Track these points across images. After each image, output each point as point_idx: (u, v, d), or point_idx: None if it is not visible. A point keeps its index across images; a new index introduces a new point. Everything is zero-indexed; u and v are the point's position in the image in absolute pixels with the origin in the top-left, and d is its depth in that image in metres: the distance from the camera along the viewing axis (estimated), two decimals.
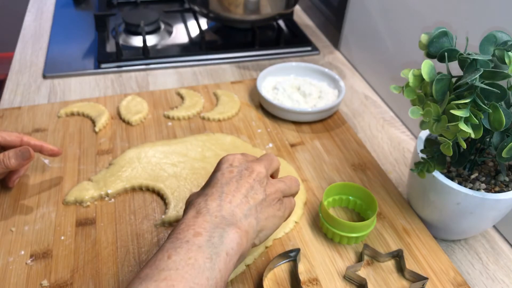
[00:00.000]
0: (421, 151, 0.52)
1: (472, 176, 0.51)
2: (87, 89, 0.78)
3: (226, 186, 0.41)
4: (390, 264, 0.51)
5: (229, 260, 0.35)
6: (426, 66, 0.45)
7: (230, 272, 0.36)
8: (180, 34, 0.96)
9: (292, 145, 0.68)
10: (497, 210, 0.49)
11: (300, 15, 1.10)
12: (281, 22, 1.02)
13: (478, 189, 0.49)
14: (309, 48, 0.94)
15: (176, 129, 0.69)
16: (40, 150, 0.57)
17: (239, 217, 0.39)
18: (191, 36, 0.95)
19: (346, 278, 0.49)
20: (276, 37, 0.97)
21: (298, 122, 0.72)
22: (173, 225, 0.54)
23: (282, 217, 0.44)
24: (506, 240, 0.57)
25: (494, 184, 0.50)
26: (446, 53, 0.45)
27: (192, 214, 0.38)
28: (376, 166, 0.65)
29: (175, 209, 0.55)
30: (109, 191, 0.57)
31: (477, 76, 0.41)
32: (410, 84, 0.47)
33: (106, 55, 0.85)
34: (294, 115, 0.71)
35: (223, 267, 0.34)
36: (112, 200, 0.57)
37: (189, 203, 0.42)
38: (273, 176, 0.49)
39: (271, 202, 0.43)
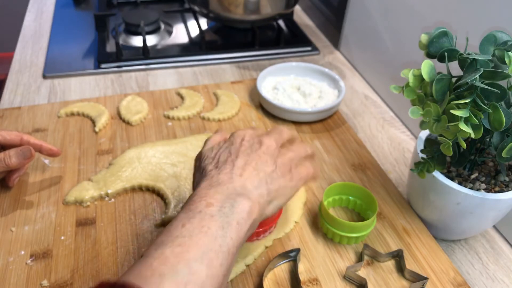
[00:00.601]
0: (421, 151, 0.52)
1: (472, 176, 0.51)
2: (87, 89, 0.78)
3: (237, 160, 0.42)
4: (390, 264, 0.51)
5: (240, 229, 0.37)
6: (426, 66, 0.45)
7: (241, 240, 0.37)
8: (180, 34, 0.96)
9: None
10: (497, 210, 0.49)
11: (300, 15, 1.10)
12: (281, 22, 1.02)
13: (478, 189, 0.49)
14: (309, 48, 0.94)
15: (176, 129, 0.69)
16: (39, 150, 0.57)
17: (249, 188, 0.40)
18: (191, 36, 0.95)
19: (346, 278, 0.49)
20: (276, 37, 0.97)
21: (298, 122, 0.72)
22: None
23: (294, 187, 0.45)
24: (506, 240, 0.57)
25: (494, 184, 0.50)
26: (446, 53, 0.45)
27: (204, 185, 0.40)
28: (376, 166, 0.65)
29: (175, 209, 0.55)
30: (109, 191, 0.57)
31: (477, 76, 0.41)
32: (410, 84, 0.47)
33: (106, 55, 0.85)
34: (294, 115, 0.71)
35: (235, 235, 0.36)
36: (112, 200, 0.57)
37: (203, 168, 0.43)
38: (289, 144, 0.50)
39: (282, 173, 0.44)
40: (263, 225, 0.50)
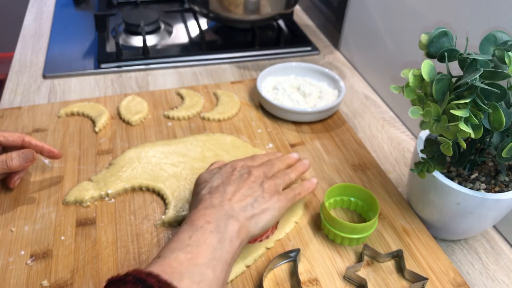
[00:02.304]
0: (421, 151, 0.52)
1: (472, 176, 0.51)
2: (87, 89, 0.78)
3: (228, 186, 0.48)
4: (390, 264, 0.51)
5: (232, 245, 0.43)
6: (426, 66, 0.45)
7: (234, 253, 0.43)
8: (180, 34, 0.96)
9: (292, 145, 0.68)
10: (497, 210, 0.49)
11: (300, 15, 1.10)
12: (281, 22, 1.02)
13: (478, 189, 0.49)
14: (309, 48, 0.94)
15: (176, 129, 0.69)
16: (40, 151, 0.57)
17: (237, 211, 0.46)
18: (191, 36, 0.95)
19: (346, 278, 0.49)
20: (276, 37, 0.97)
21: (298, 122, 0.72)
22: (173, 225, 0.54)
23: (281, 207, 0.49)
24: (506, 240, 0.57)
25: (494, 184, 0.50)
26: (446, 53, 0.45)
27: (201, 207, 0.45)
28: (376, 166, 0.65)
29: (175, 209, 0.55)
30: (109, 191, 0.57)
31: (477, 76, 0.41)
32: (410, 84, 0.47)
33: (106, 55, 0.85)
34: (294, 115, 0.71)
35: (229, 249, 0.42)
36: (112, 200, 0.57)
37: (197, 193, 0.49)
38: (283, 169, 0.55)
39: (269, 196, 0.49)
40: None
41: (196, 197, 0.49)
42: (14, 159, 0.53)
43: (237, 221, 0.44)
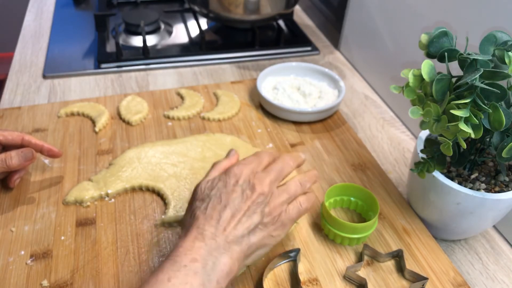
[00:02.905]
0: (421, 151, 0.52)
1: (472, 176, 0.51)
2: (87, 89, 0.78)
3: (225, 210, 0.42)
4: (390, 264, 0.51)
5: (219, 286, 0.39)
6: (426, 66, 0.45)
7: None
8: (180, 34, 0.96)
9: (292, 145, 0.68)
10: (497, 210, 0.49)
11: (300, 15, 1.10)
12: (281, 22, 1.02)
13: (478, 189, 0.49)
14: (309, 48, 0.94)
15: (176, 129, 0.69)
16: (40, 150, 0.57)
17: (231, 244, 0.41)
18: (191, 36, 0.95)
19: (346, 278, 0.49)
20: (276, 37, 0.97)
21: (298, 122, 0.72)
22: (173, 225, 0.54)
23: (277, 236, 0.45)
24: (506, 240, 0.57)
25: (494, 184, 0.50)
26: (446, 53, 0.45)
27: (190, 237, 0.41)
28: (376, 166, 0.65)
29: (175, 209, 0.55)
30: (109, 191, 0.57)
31: (477, 76, 0.41)
32: (410, 84, 0.47)
33: (106, 55, 0.85)
34: (294, 115, 0.71)
35: None
36: (112, 200, 0.57)
37: (192, 211, 0.44)
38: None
39: (270, 221, 0.44)
40: None
41: (190, 214, 0.44)
42: (13, 158, 0.53)
43: (230, 257, 0.40)
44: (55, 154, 0.58)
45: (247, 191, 0.44)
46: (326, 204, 0.53)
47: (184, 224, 0.44)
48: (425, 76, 0.45)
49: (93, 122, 0.69)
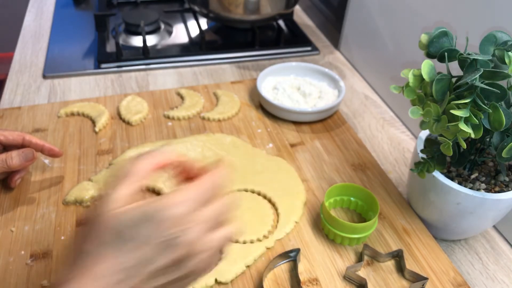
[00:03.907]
0: (421, 151, 0.52)
1: (472, 176, 0.51)
2: (87, 89, 0.78)
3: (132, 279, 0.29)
4: (390, 264, 0.51)
5: None
6: (426, 66, 0.45)
7: None
8: (180, 34, 0.96)
9: (292, 145, 0.68)
10: (497, 210, 0.49)
11: (300, 15, 1.10)
12: (281, 22, 1.02)
13: (478, 189, 0.49)
14: (309, 48, 0.94)
15: (176, 129, 0.69)
16: (41, 150, 0.57)
17: None
18: (191, 36, 0.95)
19: (346, 278, 0.49)
20: (276, 37, 0.97)
21: (298, 122, 0.72)
22: None
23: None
24: (506, 240, 0.57)
25: (494, 184, 0.50)
26: (446, 53, 0.45)
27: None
28: (376, 166, 0.65)
29: None
30: None
31: (477, 76, 0.41)
32: (410, 84, 0.47)
33: (106, 55, 0.85)
34: (294, 115, 0.71)
35: None
36: None
37: (91, 249, 0.30)
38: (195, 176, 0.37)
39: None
40: None
41: (89, 250, 0.30)
42: (14, 158, 0.52)
43: None
44: (55, 154, 0.58)
45: (172, 247, 0.30)
46: (326, 204, 0.53)
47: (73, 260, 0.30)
48: (425, 76, 0.45)
49: (93, 122, 0.69)
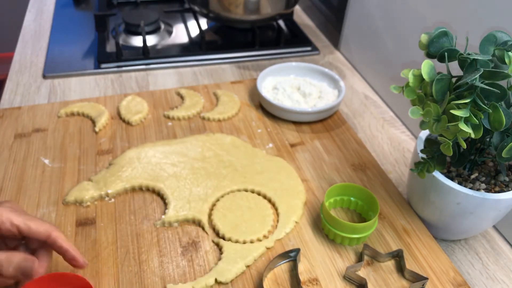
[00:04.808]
0: (421, 151, 0.52)
1: (472, 176, 0.51)
2: (87, 89, 0.78)
3: None
4: (390, 264, 0.51)
5: None
6: (426, 66, 0.45)
7: None
8: (180, 34, 0.96)
9: (292, 145, 0.68)
10: (497, 210, 0.49)
11: (300, 15, 1.10)
12: (281, 22, 1.02)
13: (478, 189, 0.49)
14: (309, 48, 0.94)
15: (176, 129, 0.69)
16: (63, 255, 0.45)
17: None
18: (191, 36, 0.95)
19: (346, 278, 0.49)
20: (276, 37, 0.97)
21: (298, 122, 0.72)
22: (173, 225, 0.54)
23: None
24: (506, 240, 0.57)
25: (494, 184, 0.50)
26: (446, 53, 0.45)
27: None
28: (376, 166, 0.65)
29: (175, 209, 0.55)
30: (109, 191, 0.57)
31: (477, 76, 0.41)
32: (410, 84, 0.47)
33: (106, 55, 0.85)
34: (294, 115, 0.71)
35: None
36: (112, 200, 0.57)
37: None
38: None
39: None
40: None
41: None
42: (11, 265, 0.41)
43: None
44: (78, 265, 0.45)
45: None
46: (326, 204, 0.53)
47: None
48: (425, 76, 0.45)
49: (93, 122, 0.69)
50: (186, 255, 0.51)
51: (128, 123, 0.69)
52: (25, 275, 0.42)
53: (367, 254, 0.52)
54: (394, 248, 0.53)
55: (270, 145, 0.67)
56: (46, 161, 0.62)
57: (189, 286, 0.47)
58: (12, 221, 0.42)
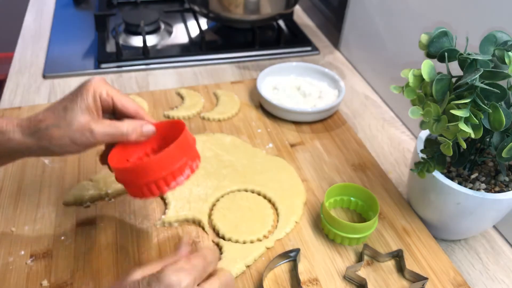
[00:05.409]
0: (421, 151, 0.52)
1: (472, 176, 0.51)
2: None
3: None
4: (390, 264, 0.51)
5: None
6: (426, 66, 0.45)
7: None
8: (180, 34, 0.96)
9: (292, 145, 0.68)
10: (497, 210, 0.49)
11: (300, 15, 1.10)
12: (281, 22, 1.02)
13: (478, 189, 0.49)
14: (309, 48, 0.94)
15: None
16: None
17: None
18: (191, 36, 0.95)
19: (346, 278, 0.49)
20: (276, 37, 0.97)
21: (298, 122, 0.72)
22: (173, 225, 0.54)
23: None
24: (506, 240, 0.57)
25: (494, 184, 0.50)
26: (446, 53, 0.45)
27: None
28: (376, 166, 0.65)
29: (175, 209, 0.55)
30: (109, 191, 0.57)
31: (477, 76, 0.41)
32: (410, 84, 0.47)
33: (106, 55, 0.85)
34: (294, 115, 0.71)
35: None
36: (112, 200, 0.57)
37: None
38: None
39: None
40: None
41: None
42: (144, 127, 0.45)
43: None
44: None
45: None
46: (326, 204, 0.53)
47: None
48: (425, 76, 0.45)
49: None
50: None
51: None
52: (146, 137, 0.45)
53: (367, 254, 0.52)
54: (394, 248, 0.53)
55: (270, 145, 0.67)
56: (46, 161, 0.62)
57: None
58: (108, 91, 0.45)
